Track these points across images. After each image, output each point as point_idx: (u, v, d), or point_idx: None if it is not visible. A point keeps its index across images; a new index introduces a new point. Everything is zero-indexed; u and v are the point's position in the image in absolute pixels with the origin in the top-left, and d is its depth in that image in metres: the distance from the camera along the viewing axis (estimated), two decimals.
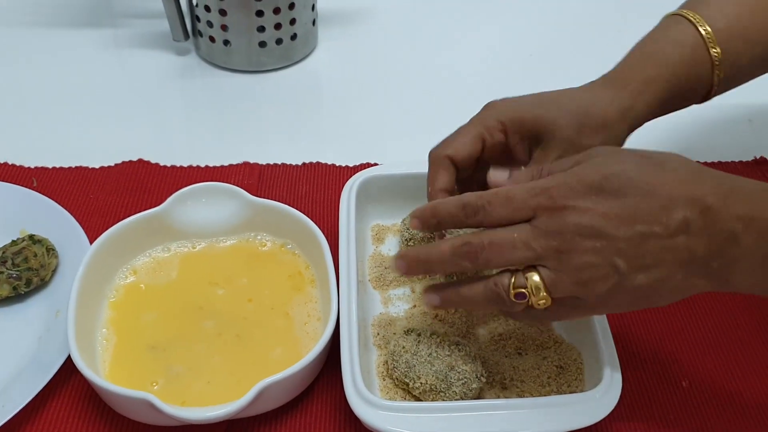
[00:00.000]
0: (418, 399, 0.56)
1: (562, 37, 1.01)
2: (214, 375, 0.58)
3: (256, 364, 0.59)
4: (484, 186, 0.62)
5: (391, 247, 0.69)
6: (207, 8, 0.89)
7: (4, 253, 0.64)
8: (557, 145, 0.56)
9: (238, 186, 0.67)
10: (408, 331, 0.59)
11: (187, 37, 0.94)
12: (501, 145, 0.58)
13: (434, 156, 0.58)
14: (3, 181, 0.73)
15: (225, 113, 0.88)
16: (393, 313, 0.64)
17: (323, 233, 0.63)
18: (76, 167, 0.78)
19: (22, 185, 0.72)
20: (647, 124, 0.60)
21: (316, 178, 0.78)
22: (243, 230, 0.68)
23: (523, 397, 0.57)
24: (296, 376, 0.54)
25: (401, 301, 0.65)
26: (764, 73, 0.65)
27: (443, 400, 0.55)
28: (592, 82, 0.60)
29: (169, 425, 0.56)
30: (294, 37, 0.92)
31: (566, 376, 0.58)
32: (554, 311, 0.50)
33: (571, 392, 0.57)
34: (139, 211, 0.65)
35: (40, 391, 0.56)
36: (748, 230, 0.45)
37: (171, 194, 0.66)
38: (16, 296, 0.64)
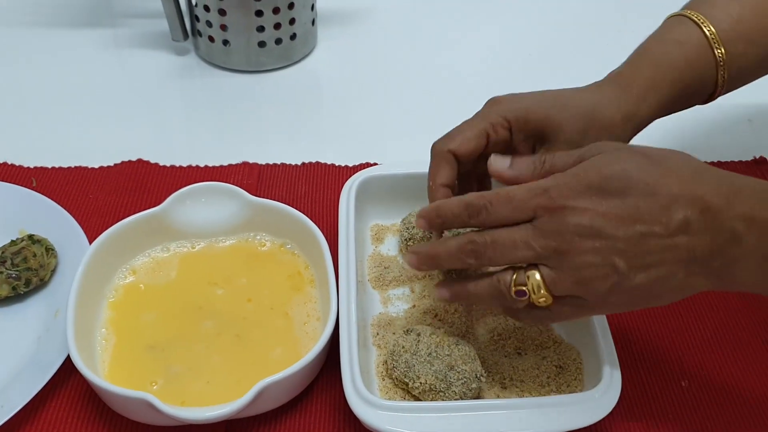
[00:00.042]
0: (417, 399, 0.56)
1: (561, 37, 1.01)
2: (213, 375, 0.58)
3: (255, 364, 0.59)
4: (483, 180, 0.62)
5: (390, 247, 0.69)
6: (206, 8, 0.89)
7: (3, 253, 0.64)
8: (561, 146, 0.57)
9: (237, 186, 0.67)
10: (407, 330, 0.59)
11: (186, 36, 0.93)
12: (505, 143, 0.58)
13: (437, 150, 0.58)
14: (2, 180, 0.73)
15: (224, 113, 0.88)
16: (392, 313, 0.64)
17: (323, 233, 0.63)
18: (76, 167, 0.78)
19: (21, 185, 0.72)
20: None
21: (316, 177, 0.78)
22: (242, 230, 0.68)
23: (523, 397, 0.57)
24: (296, 376, 0.54)
25: (400, 301, 0.65)
26: (767, 74, 0.65)
27: (443, 399, 0.55)
28: (598, 83, 0.60)
29: (169, 425, 0.56)
30: (293, 36, 0.92)
31: (566, 376, 0.58)
32: (556, 311, 0.50)
33: (570, 392, 0.57)
34: (139, 211, 0.65)
35: (40, 391, 0.56)
36: (749, 230, 0.45)
37: (170, 194, 0.66)
38: (16, 296, 0.64)
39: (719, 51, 0.60)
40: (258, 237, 0.68)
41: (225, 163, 0.79)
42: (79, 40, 0.98)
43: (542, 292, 0.48)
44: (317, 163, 0.79)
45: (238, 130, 0.85)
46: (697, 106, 0.64)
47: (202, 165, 0.79)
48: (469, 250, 0.50)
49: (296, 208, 0.66)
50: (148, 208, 0.65)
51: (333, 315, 0.57)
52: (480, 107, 0.60)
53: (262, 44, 0.90)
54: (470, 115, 0.59)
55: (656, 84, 0.59)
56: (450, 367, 0.55)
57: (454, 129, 0.58)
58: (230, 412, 0.51)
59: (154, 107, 0.89)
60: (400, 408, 0.52)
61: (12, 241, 0.66)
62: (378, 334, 0.62)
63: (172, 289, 0.64)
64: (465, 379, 0.55)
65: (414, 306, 0.64)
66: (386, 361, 0.59)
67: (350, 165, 0.79)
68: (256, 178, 0.77)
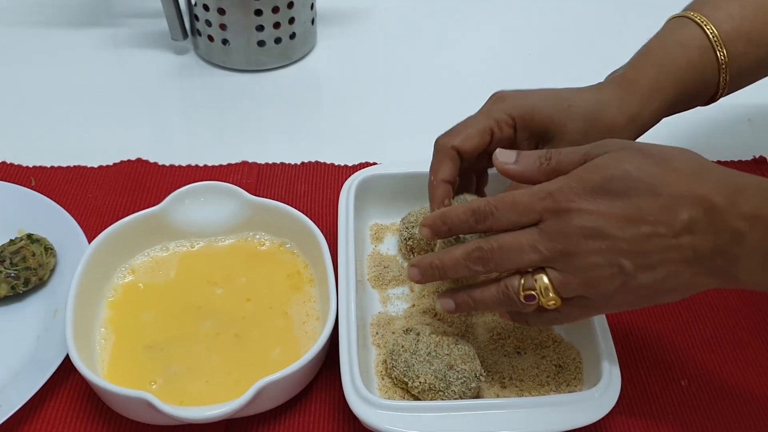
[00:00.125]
0: (416, 398, 0.56)
1: (561, 37, 1.01)
2: (212, 374, 0.58)
3: (254, 363, 0.58)
4: (482, 176, 0.62)
5: (389, 246, 0.69)
6: (205, 7, 0.89)
7: (2, 252, 0.64)
8: (564, 146, 0.56)
9: (236, 185, 0.67)
10: (407, 330, 0.59)
11: (185, 36, 0.93)
12: (509, 140, 0.58)
13: (440, 145, 0.58)
14: (1, 180, 0.72)
15: (224, 112, 0.88)
16: (392, 312, 0.64)
17: (322, 232, 0.63)
18: (75, 166, 0.78)
19: (20, 184, 0.72)
20: None
21: (315, 177, 0.77)
22: (242, 229, 0.68)
23: (522, 396, 0.57)
24: (295, 375, 0.54)
25: (400, 300, 0.65)
26: (766, 75, 0.65)
27: (442, 399, 0.55)
28: (602, 84, 0.61)
29: (168, 425, 0.56)
30: (293, 36, 0.92)
31: (565, 375, 0.58)
32: (564, 312, 0.50)
33: (570, 391, 0.57)
34: (138, 211, 0.65)
35: (39, 390, 0.56)
36: (753, 229, 0.45)
37: (169, 193, 0.66)
38: (15, 295, 0.64)
39: (721, 53, 0.60)
40: (257, 236, 0.68)
41: (224, 163, 0.79)
42: (78, 40, 0.98)
43: (551, 294, 0.49)
44: (317, 162, 0.79)
45: (237, 129, 0.85)
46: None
47: (201, 164, 0.79)
48: (477, 257, 0.50)
49: (296, 208, 0.66)
50: (148, 207, 0.65)
51: (332, 314, 0.57)
52: (480, 107, 0.59)
53: (261, 43, 0.90)
54: (469, 115, 0.59)
55: (660, 86, 0.59)
56: (449, 367, 0.55)
57: (458, 124, 0.58)
58: (229, 411, 0.51)
59: (154, 106, 0.89)
60: (400, 407, 0.52)
61: (11, 240, 0.66)
62: (377, 333, 0.62)
63: (172, 288, 0.64)
64: (464, 379, 0.55)
65: (413, 305, 0.64)
66: (386, 361, 0.59)
67: (350, 164, 0.79)
68: (256, 178, 0.77)
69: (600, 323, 0.57)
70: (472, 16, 1.05)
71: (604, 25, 1.03)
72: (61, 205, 0.69)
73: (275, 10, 0.88)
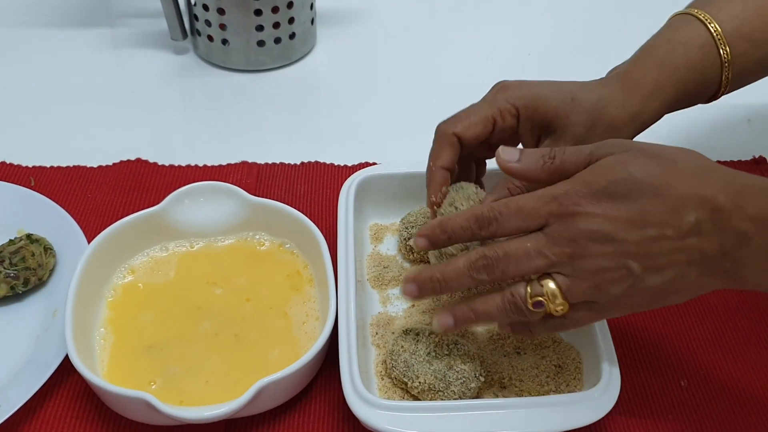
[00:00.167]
0: (416, 398, 0.56)
1: (561, 37, 1.01)
2: (212, 375, 0.58)
3: (254, 363, 0.58)
4: (481, 165, 0.62)
5: (389, 246, 0.69)
6: (205, 7, 0.89)
7: (1, 252, 0.64)
8: (567, 140, 0.57)
9: (236, 185, 0.67)
10: (406, 330, 0.59)
11: (185, 36, 0.93)
12: (511, 129, 0.58)
13: (442, 131, 0.57)
14: (1, 180, 0.72)
15: (223, 112, 0.88)
16: (391, 313, 0.64)
17: (322, 232, 0.63)
18: (74, 166, 0.78)
19: (19, 184, 0.72)
20: None
21: (315, 177, 0.77)
22: (241, 230, 0.68)
23: (522, 396, 0.57)
24: (294, 375, 0.54)
25: (400, 301, 0.65)
26: (766, 76, 0.65)
27: (442, 399, 0.55)
28: (605, 79, 0.61)
29: (167, 425, 0.56)
30: (293, 36, 0.92)
31: (565, 375, 0.58)
32: (572, 318, 0.50)
33: (569, 391, 0.57)
34: (137, 211, 0.65)
35: (38, 390, 0.56)
36: (759, 230, 0.45)
37: (169, 193, 0.66)
38: (14, 296, 0.64)
39: (724, 51, 0.60)
40: (257, 236, 0.68)
41: (224, 163, 0.79)
42: (77, 40, 0.98)
43: (559, 300, 0.48)
44: (316, 162, 0.79)
45: (237, 129, 0.85)
46: (697, 106, 0.64)
47: (200, 164, 0.79)
48: (482, 265, 0.49)
49: (295, 208, 0.66)
50: (147, 207, 0.65)
51: (332, 314, 0.57)
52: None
53: (261, 43, 0.90)
54: None
55: (661, 87, 0.59)
56: (449, 367, 0.55)
57: (461, 111, 0.58)
58: (229, 411, 0.51)
59: (153, 106, 0.89)
60: (399, 407, 0.52)
61: (10, 240, 0.66)
62: (377, 333, 0.62)
63: (171, 288, 0.64)
64: (464, 379, 0.55)
65: (413, 305, 0.64)
66: (385, 361, 0.59)
67: (349, 164, 0.79)
68: (255, 178, 0.77)
69: (599, 324, 0.57)
70: (471, 16, 1.05)
71: (604, 25, 1.03)
72: (60, 205, 0.69)
73: (275, 10, 0.88)
